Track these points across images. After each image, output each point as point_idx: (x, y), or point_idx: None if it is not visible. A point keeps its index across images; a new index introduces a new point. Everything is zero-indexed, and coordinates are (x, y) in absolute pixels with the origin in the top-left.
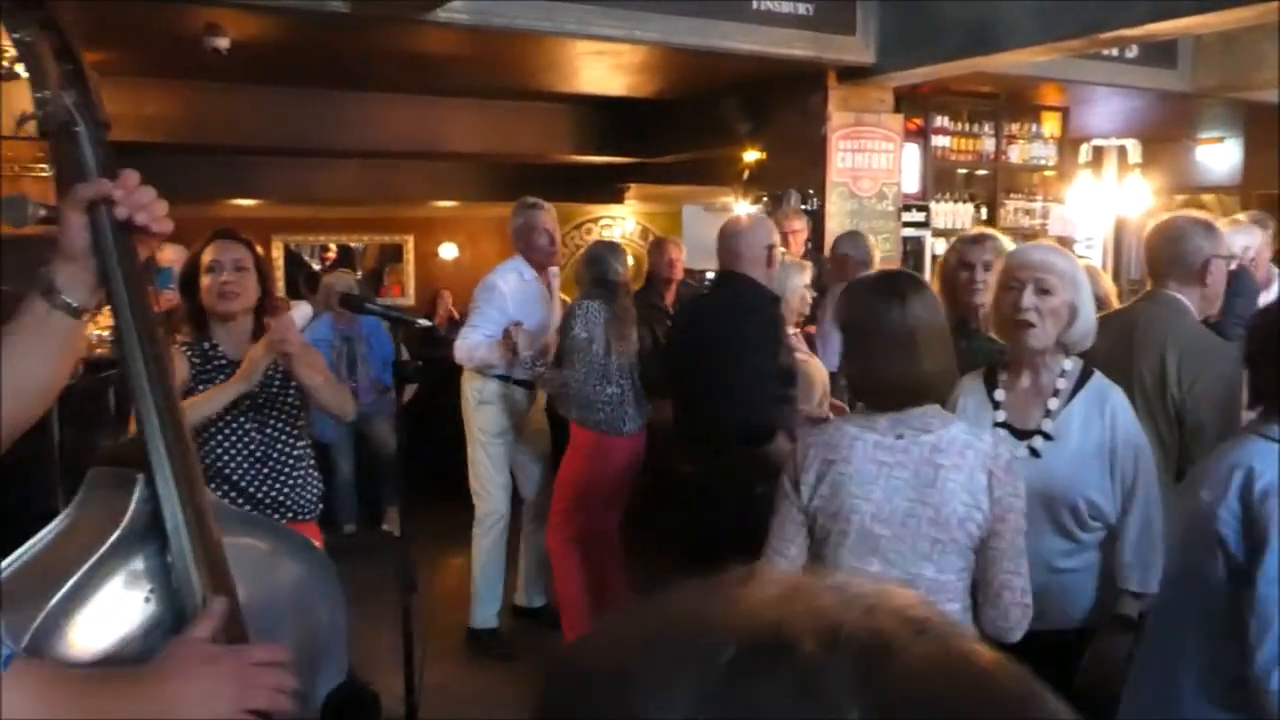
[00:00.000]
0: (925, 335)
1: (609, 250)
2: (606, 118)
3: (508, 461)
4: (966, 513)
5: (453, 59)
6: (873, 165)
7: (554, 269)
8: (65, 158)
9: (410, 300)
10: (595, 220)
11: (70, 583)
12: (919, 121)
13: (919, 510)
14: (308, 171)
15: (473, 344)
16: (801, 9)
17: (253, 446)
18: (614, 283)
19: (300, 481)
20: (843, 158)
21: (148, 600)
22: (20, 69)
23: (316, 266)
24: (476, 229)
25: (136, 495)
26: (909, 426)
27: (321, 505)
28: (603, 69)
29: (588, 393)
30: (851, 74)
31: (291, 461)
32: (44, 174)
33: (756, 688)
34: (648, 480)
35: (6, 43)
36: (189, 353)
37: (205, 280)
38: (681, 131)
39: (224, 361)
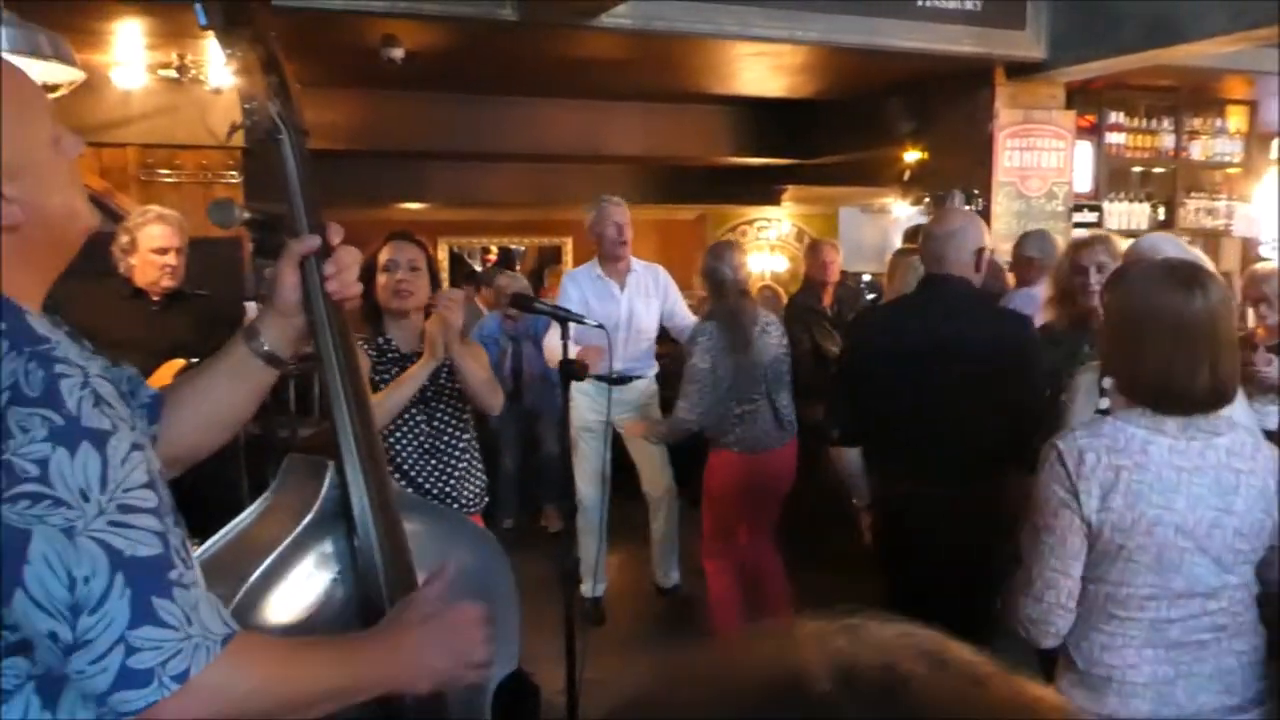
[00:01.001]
0: (1226, 330)
1: (714, 254)
2: (765, 119)
3: (599, 456)
4: (1263, 520)
5: (614, 63)
6: (1042, 164)
7: (646, 267)
8: (269, 163)
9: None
10: (750, 222)
11: (267, 562)
12: (1092, 118)
13: (1224, 520)
14: (473, 175)
15: (550, 345)
16: (969, 4)
17: (421, 438)
18: (721, 283)
19: (465, 473)
20: (1010, 156)
21: (335, 581)
22: (229, 82)
23: (478, 268)
24: (634, 231)
25: (328, 482)
26: (1199, 429)
27: (487, 498)
28: (762, 70)
29: (719, 412)
30: (1021, 70)
31: (457, 453)
32: (234, 180)
33: None
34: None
35: (203, 58)
36: (366, 347)
37: (381, 279)
38: (840, 132)
39: (397, 355)
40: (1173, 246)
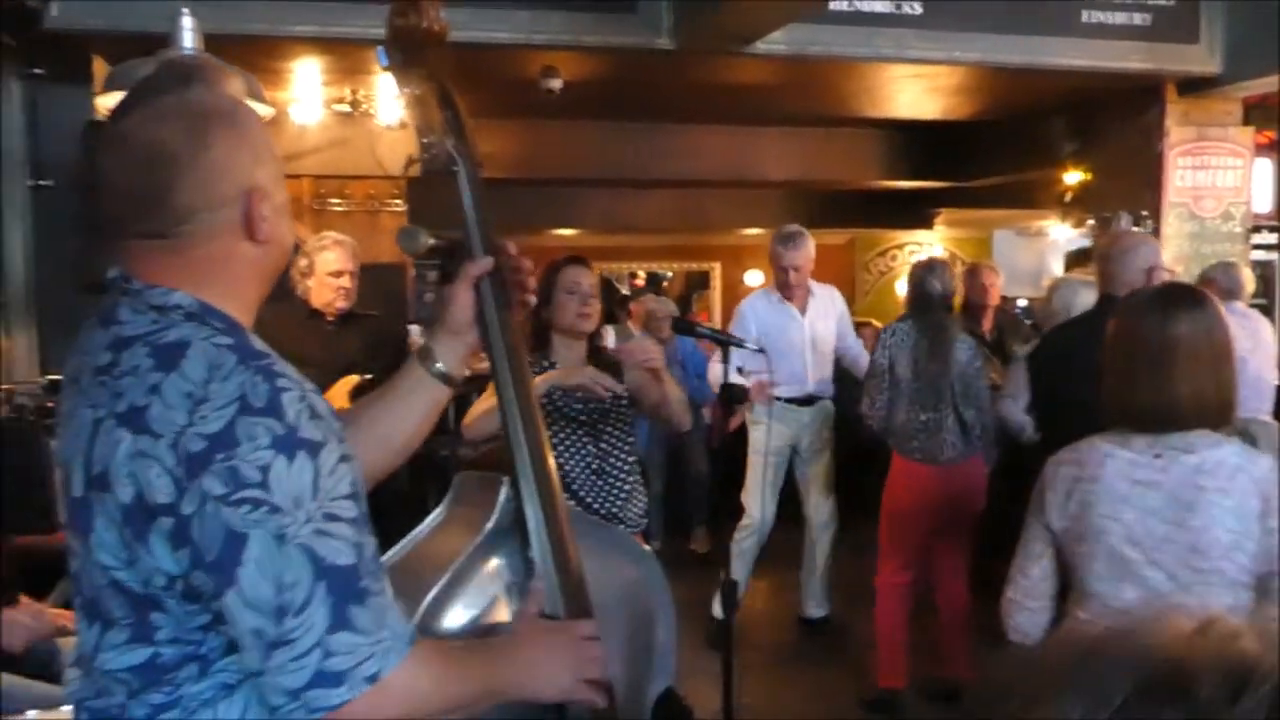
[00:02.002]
0: (1186, 355)
1: (925, 268)
2: (918, 141)
3: (777, 479)
4: (1234, 541)
5: (767, 88)
6: (1217, 183)
7: (822, 289)
8: (446, 193)
9: (716, 326)
10: (900, 246)
11: (446, 577)
12: (1271, 133)
13: (1176, 535)
14: (624, 201)
15: (713, 373)
16: (1138, 19)
17: (589, 459)
18: (927, 297)
19: (629, 494)
20: (1181, 176)
21: (509, 593)
22: (396, 116)
23: (625, 292)
24: None
25: (502, 496)
26: (1169, 446)
27: (647, 519)
28: (918, 92)
29: (901, 419)
30: (1193, 85)
31: (623, 475)
32: (399, 209)
33: None
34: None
35: (373, 93)
36: (535, 371)
37: (563, 300)
38: (997, 153)
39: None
40: None
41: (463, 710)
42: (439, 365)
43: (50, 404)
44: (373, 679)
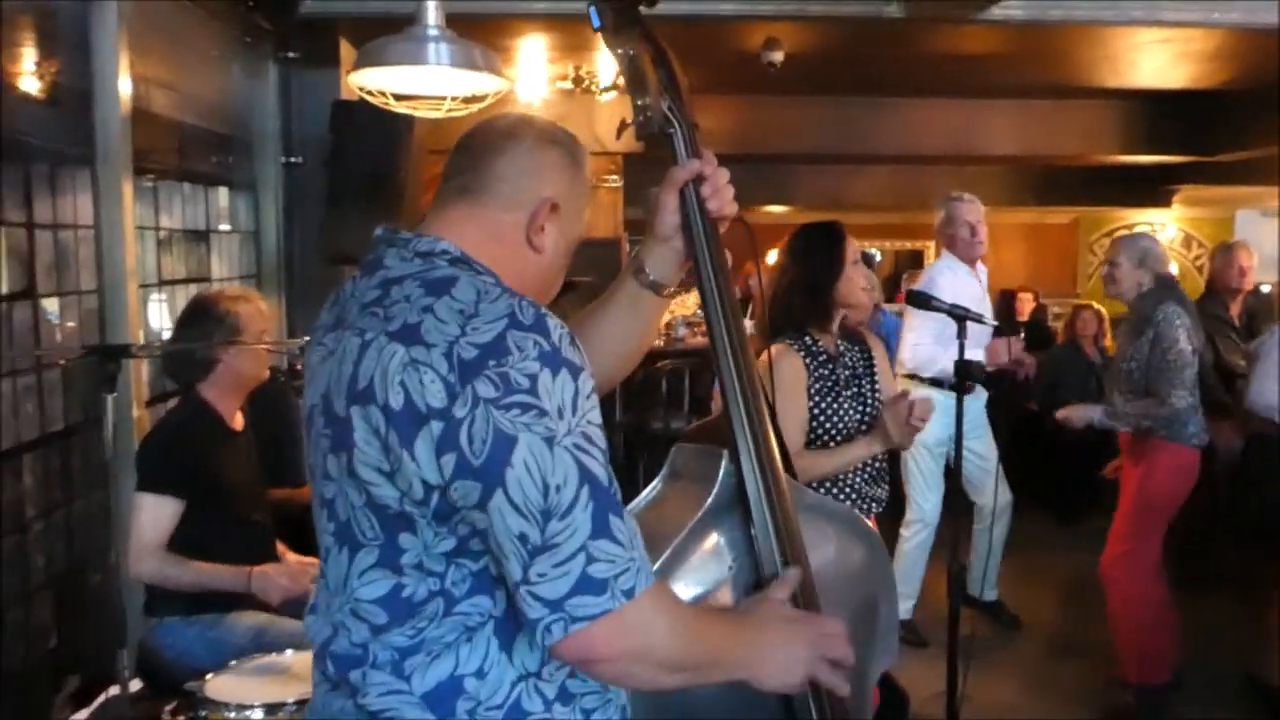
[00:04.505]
0: None
1: (1145, 241)
2: (1157, 112)
3: (940, 473)
4: None
5: (994, 58)
6: None
7: (980, 265)
8: (664, 157)
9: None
10: (1129, 227)
11: (669, 550)
12: None
13: None
14: (837, 178)
15: (911, 345)
16: None
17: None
18: (1173, 276)
19: (875, 474)
20: None
21: (731, 568)
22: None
23: None
24: (999, 235)
25: (723, 470)
26: None
27: (883, 504)
28: (1164, 59)
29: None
30: None
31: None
32: (615, 184)
33: None
34: None
35: (595, 69)
36: (793, 345)
37: (853, 273)
38: (1249, 124)
39: (825, 354)
40: None
41: (688, 675)
42: (650, 276)
43: (300, 366)
44: (629, 593)
